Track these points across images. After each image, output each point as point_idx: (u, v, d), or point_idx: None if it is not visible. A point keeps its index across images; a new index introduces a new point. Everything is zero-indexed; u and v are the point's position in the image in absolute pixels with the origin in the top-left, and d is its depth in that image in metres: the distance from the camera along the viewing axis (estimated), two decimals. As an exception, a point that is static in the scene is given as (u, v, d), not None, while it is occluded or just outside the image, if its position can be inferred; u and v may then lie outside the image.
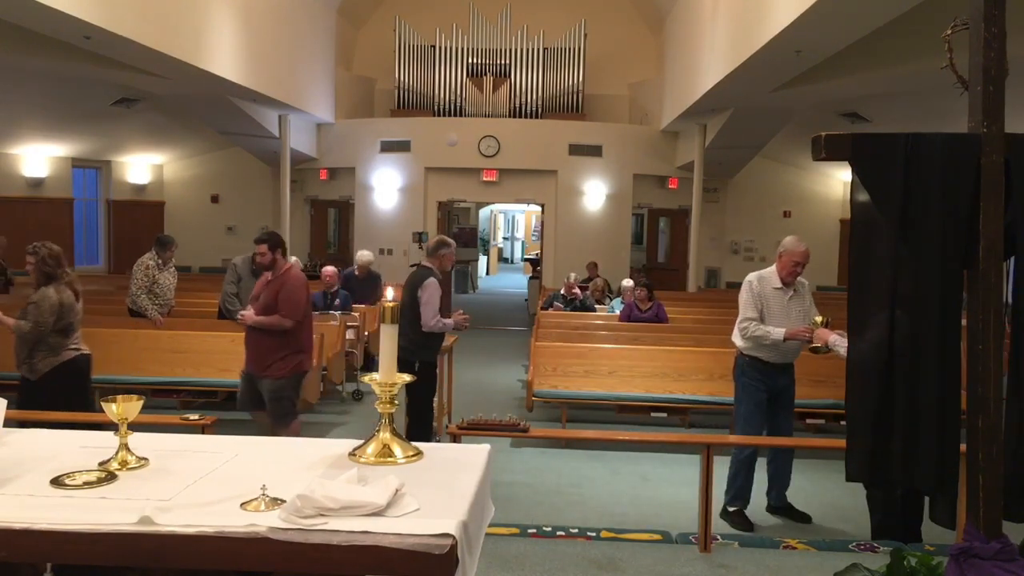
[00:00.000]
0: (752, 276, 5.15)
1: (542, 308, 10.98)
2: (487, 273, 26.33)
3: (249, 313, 5.42)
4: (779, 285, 5.05)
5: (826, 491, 5.71)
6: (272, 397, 5.42)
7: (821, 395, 6.88)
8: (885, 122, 11.35)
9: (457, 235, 19.20)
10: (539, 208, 16.60)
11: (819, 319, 4.95)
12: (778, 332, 4.91)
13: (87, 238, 15.55)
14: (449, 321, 5.94)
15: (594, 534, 4.71)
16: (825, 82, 9.26)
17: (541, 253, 16.32)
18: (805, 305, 5.13)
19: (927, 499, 3.45)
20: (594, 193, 15.10)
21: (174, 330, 7.74)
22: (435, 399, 6.29)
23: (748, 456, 5.14)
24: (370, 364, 9.09)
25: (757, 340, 5.00)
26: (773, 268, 5.13)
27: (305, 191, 16.15)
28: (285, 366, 5.38)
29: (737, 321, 5.17)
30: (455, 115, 15.39)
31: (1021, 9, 3.22)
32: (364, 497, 1.85)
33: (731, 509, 5.13)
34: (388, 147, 15.18)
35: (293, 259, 10.62)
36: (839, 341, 4.62)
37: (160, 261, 7.92)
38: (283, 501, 1.87)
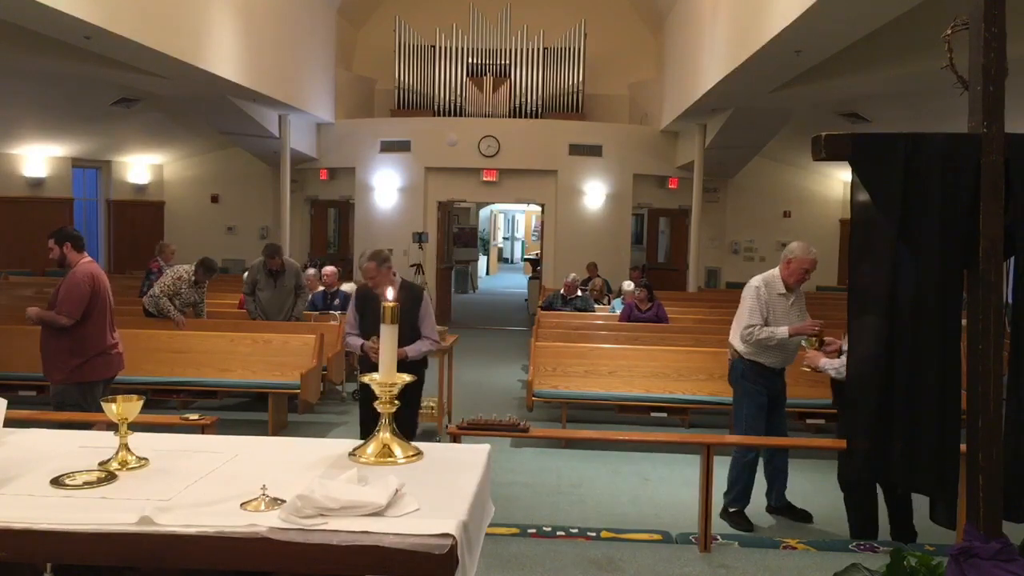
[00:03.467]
0: (758, 281, 5.07)
1: (541, 308, 10.99)
2: (487, 273, 26.35)
3: (34, 308, 5.16)
4: (783, 291, 5.04)
5: (826, 491, 5.70)
6: (54, 403, 5.09)
7: (821, 395, 6.88)
8: (885, 122, 11.35)
9: (457, 235, 19.22)
10: (539, 208, 16.60)
11: (806, 343, 4.95)
12: (782, 330, 4.90)
13: (87, 238, 15.54)
14: (350, 341, 5.17)
15: (594, 534, 4.71)
16: (825, 82, 9.26)
17: (541, 253, 16.32)
18: (803, 308, 5.15)
19: (927, 499, 3.44)
20: (594, 193, 15.10)
21: (173, 330, 7.73)
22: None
23: (752, 459, 5.14)
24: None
25: (762, 343, 4.97)
26: (776, 272, 5.09)
27: (305, 191, 16.14)
28: (63, 370, 5.05)
29: (738, 326, 5.14)
30: (455, 115, 15.38)
31: (1021, 9, 3.22)
32: (364, 497, 1.85)
33: (732, 510, 5.14)
34: (388, 147, 15.17)
35: (310, 271, 10.61)
36: (829, 365, 4.63)
37: (195, 279, 7.90)
38: (283, 501, 1.87)
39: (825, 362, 4.70)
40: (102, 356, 5.20)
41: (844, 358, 4.55)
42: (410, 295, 5.13)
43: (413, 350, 4.95)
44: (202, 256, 8.13)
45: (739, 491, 5.12)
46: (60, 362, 5.06)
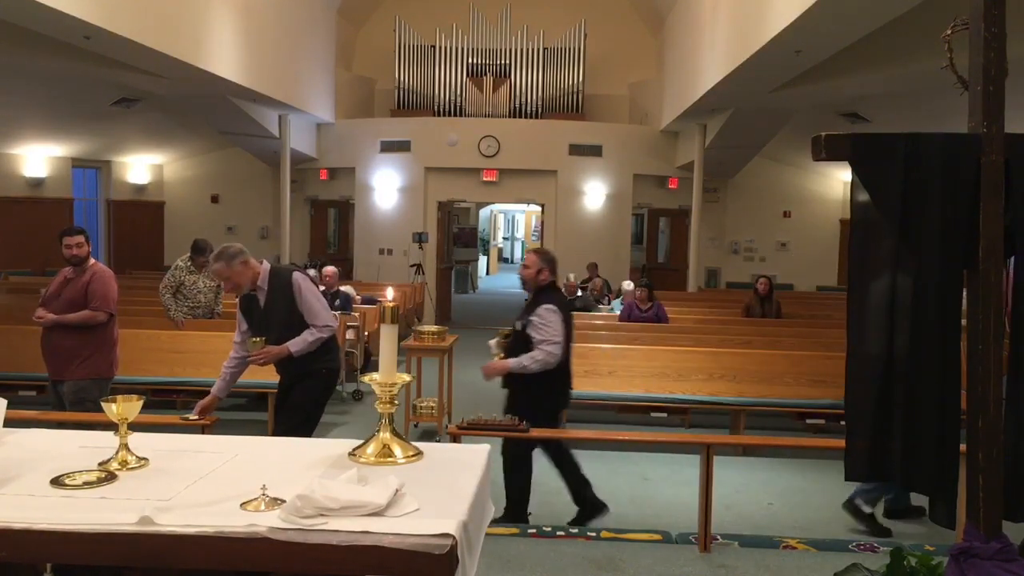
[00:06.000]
0: None
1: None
2: (487, 273, 26.34)
3: (45, 312, 5.07)
4: None
5: (826, 491, 5.70)
6: (73, 400, 5.05)
7: (821, 395, 6.88)
8: (885, 122, 11.34)
9: (457, 235, 19.22)
10: (539, 208, 16.59)
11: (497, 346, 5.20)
12: None
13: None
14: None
15: (594, 534, 4.71)
16: (825, 82, 9.26)
17: (541, 253, 16.29)
18: None
19: (927, 499, 3.39)
20: (594, 193, 15.10)
21: (173, 330, 7.73)
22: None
23: None
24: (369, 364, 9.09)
25: None
26: None
27: (305, 191, 16.14)
28: (87, 367, 5.06)
29: None
30: (455, 115, 15.38)
31: (1021, 9, 3.22)
32: (364, 497, 1.85)
33: (867, 511, 5.09)
34: (388, 147, 15.17)
35: (310, 272, 10.49)
36: (516, 363, 4.81)
37: (192, 265, 7.87)
38: (283, 501, 1.87)
39: (514, 362, 4.82)
40: (117, 351, 5.34)
41: (529, 355, 4.71)
42: (279, 286, 4.47)
43: (296, 344, 4.38)
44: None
45: (879, 493, 5.08)
46: (86, 358, 5.08)
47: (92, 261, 5.27)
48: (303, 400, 4.60)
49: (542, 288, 4.89)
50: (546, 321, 4.71)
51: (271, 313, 4.46)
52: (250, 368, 4.67)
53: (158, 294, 8.07)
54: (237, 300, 4.64)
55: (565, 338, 4.80)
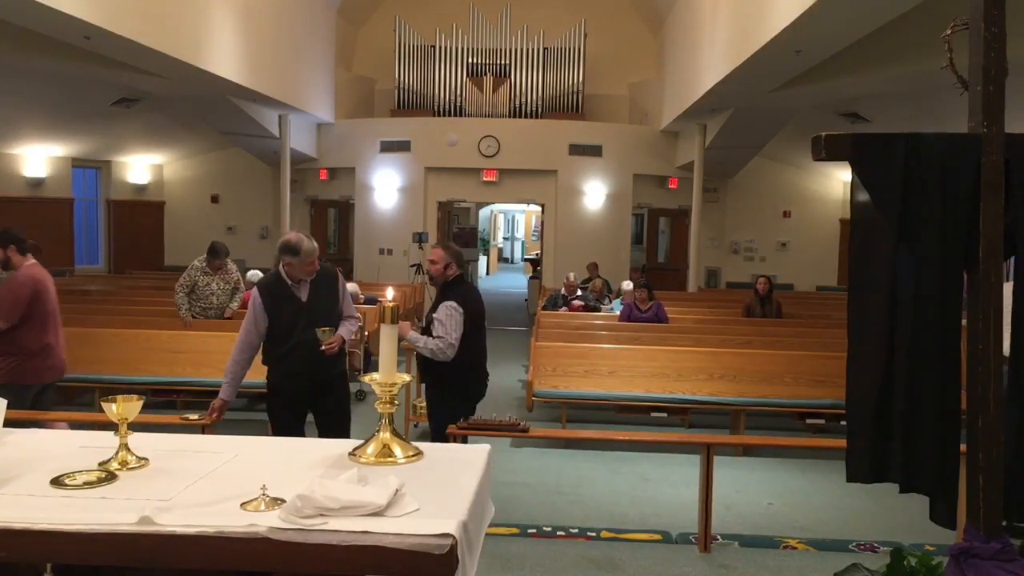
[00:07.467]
0: None
1: (543, 309, 10.97)
2: (487, 273, 26.34)
3: None
4: None
5: (826, 491, 5.71)
6: None
7: (821, 395, 6.88)
8: (885, 122, 11.34)
9: (457, 235, 19.21)
10: (539, 208, 16.59)
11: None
12: None
13: (87, 238, 15.54)
14: (237, 357, 4.63)
15: (594, 534, 4.71)
16: (825, 82, 9.26)
17: (541, 253, 16.32)
18: None
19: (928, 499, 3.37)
20: (594, 193, 15.10)
21: (173, 330, 7.73)
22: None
23: None
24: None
25: None
26: None
27: (305, 191, 16.14)
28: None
29: None
30: (455, 115, 15.39)
31: (1021, 9, 3.22)
32: (364, 497, 1.85)
33: None
34: (388, 147, 15.17)
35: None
36: (415, 337, 4.72)
37: (207, 267, 7.87)
38: (283, 501, 1.87)
39: (413, 335, 4.73)
40: (37, 359, 5.16)
41: (428, 339, 4.64)
42: (322, 280, 4.50)
43: (347, 332, 4.49)
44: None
45: None
46: None
47: (27, 265, 5.15)
48: (347, 402, 4.73)
49: (449, 283, 4.85)
50: (444, 320, 4.65)
51: (317, 305, 4.40)
52: (253, 368, 4.66)
53: (172, 292, 8.14)
54: (256, 300, 4.44)
55: (471, 334, 4.75)
